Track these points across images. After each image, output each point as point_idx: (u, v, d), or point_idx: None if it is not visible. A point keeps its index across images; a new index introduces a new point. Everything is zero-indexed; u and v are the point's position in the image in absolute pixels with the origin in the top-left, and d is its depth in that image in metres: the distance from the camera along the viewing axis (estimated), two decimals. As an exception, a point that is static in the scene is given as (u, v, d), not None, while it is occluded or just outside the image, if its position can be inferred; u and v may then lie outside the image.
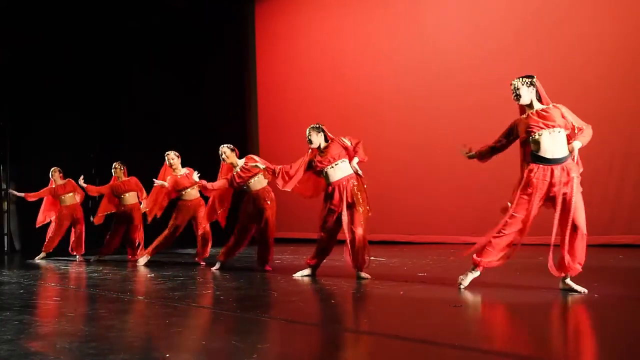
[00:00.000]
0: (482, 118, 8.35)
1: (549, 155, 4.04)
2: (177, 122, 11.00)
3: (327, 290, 4.77)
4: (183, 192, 7.15)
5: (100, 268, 7.09)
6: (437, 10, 9.11)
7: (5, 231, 10.54)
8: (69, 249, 8.52)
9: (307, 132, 5.50)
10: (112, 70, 11.49)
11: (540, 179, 4.04)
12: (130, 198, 8.05)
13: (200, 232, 7.17)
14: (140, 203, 8.10)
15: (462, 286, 4.31)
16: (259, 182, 6.18)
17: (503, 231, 4.18)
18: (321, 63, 10.40)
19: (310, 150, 5.51)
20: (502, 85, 8.07)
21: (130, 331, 3.42)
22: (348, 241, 5.15)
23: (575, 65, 7.65)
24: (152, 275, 6.15)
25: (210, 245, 7.25)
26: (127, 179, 8.10)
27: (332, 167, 5.31)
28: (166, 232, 7.19)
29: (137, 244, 8.13)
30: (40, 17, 10.42)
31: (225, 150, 6.25)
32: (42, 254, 8.57)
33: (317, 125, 5.51)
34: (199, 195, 7.24)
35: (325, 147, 5.40)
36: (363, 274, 5.12)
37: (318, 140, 5.45)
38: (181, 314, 3.95)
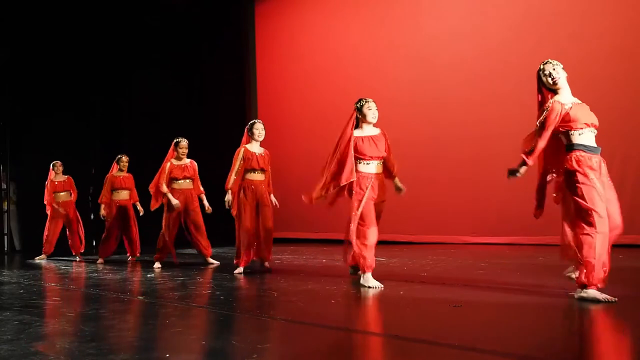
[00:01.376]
0: (483, 119, 8.36)
1: (593, 144, 3.80)
2: (177, 122, 11.00)
3: (327, 290, 4.77)
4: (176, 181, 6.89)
5: (100, 268, 7.09)
6: (437, 9, 9.11)
7: (5, 231, 10.54)
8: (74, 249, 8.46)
9: (369, 104, 4.82)
10: (112, 70, 11.49)
11: (594, 163, 3.75)
12: (124, 194, 7.96)
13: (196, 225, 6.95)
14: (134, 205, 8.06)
15: (571, 275, 3.94)
16: (265, 175, 6.13)
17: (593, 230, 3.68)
18: (321, 63, 10.40)
19: (351, 127, 4.79)
20: (502, 83, 8.13)
21: (130, 331, 3.42)
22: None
23: (575, 65, 7.63)
24: (152, 275, 6.15)
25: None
26: (126, 174, 8.04)
27: (379, 163, 4.84)
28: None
29: (134, 242, 7.98)
30: (41, 16, 10.42)
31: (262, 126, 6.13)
32: (43, 256, 8.56)
33: None
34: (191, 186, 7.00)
35: (376, 136, 4.85)
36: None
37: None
38: (181, 314, 3.95)
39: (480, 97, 8.39)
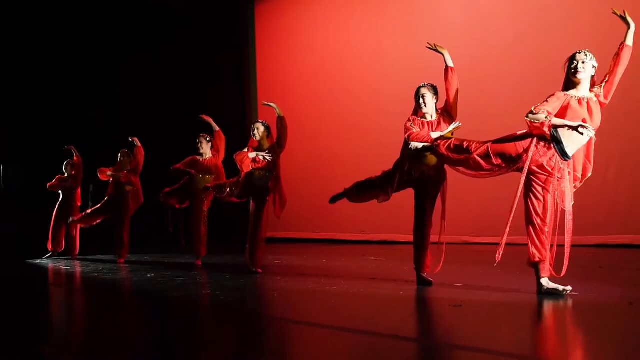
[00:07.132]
0: (482, 119, 8.36)
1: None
2: (177, 122, 11.01)
3: (327, 290, 4.77)
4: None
5: (100, 268, 7.08)
6: (438, 8, 9.10)
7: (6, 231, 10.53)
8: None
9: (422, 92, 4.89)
10: (111, 70, 11.50)
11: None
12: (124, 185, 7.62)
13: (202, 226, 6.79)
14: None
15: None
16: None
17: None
18: (322, 63, 10.40)
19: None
20: (504, 83, 8.12)
21: (130, 331, 3.43)
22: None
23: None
24: (152, 275, 6.14)
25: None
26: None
27: None
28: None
29: (123, 242, 7.42)
30: (40, 15, 10.48)
31: (259, 126, 6.23)
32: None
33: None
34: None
35: (437, 122, 4.93)
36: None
37: (432, 106, 4.94)
38: (181, 314, 3.96)
39: (480, 97, 8.37)
